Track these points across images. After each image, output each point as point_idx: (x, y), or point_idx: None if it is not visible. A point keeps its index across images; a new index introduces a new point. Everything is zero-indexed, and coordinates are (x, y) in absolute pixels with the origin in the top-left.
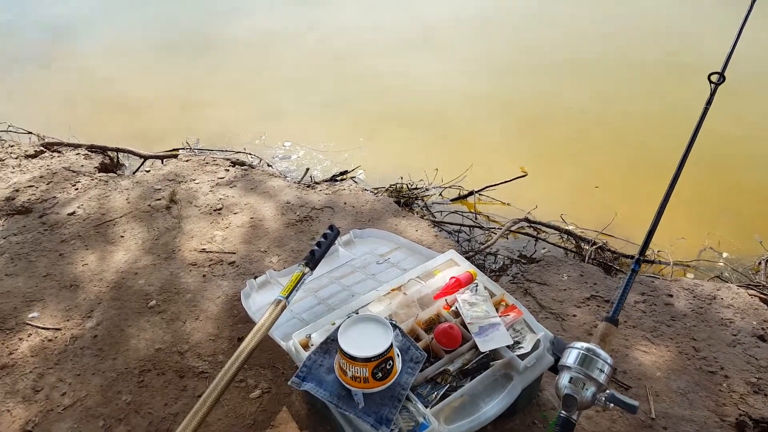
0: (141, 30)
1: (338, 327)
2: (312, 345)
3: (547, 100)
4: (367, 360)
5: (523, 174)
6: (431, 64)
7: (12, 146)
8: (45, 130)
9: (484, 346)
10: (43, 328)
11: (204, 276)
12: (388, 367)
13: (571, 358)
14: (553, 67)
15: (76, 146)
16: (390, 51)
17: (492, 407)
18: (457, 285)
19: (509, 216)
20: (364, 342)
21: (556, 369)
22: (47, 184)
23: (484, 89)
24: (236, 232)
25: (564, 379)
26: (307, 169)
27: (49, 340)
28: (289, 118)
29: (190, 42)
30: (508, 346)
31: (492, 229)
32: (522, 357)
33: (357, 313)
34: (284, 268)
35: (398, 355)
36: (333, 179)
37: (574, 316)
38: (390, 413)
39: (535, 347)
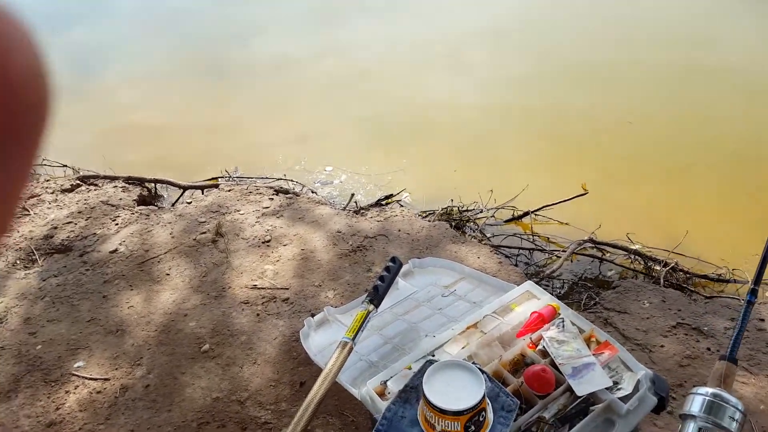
0: (164, 56)
1: (417, 373)
2: (389, 393)
3: (597, 114)
4: (459, 413)
5: (584, 192)
6: (461, 80)
7: (47, 180)
8: (79, 162)
9: (581, 389)
10: (90, 379)
11: (258, 315)
12: (480, 419)
13: (695, 405)
14: (599, 79)
15: (113, 178)
16: (414, 68)
17: None
18: (540, 321)
19: (568, 236)
20: (453, 392)
21: (658, 410)
22: (86, 219)
23: (524, 104)
24: (287, 265)
25: (690, 430)
26: (353, 195)
27: (98, 392)
28: (327, 141)
29: (213, 67)
30: (607, 389)
31: (554, 252)
32: (623, 399)
33: (432, 355)
34: (342, 303)
35: (488, 403)
36: (378, 203)
37: (662, 346)
38: None
39: (636, 388)
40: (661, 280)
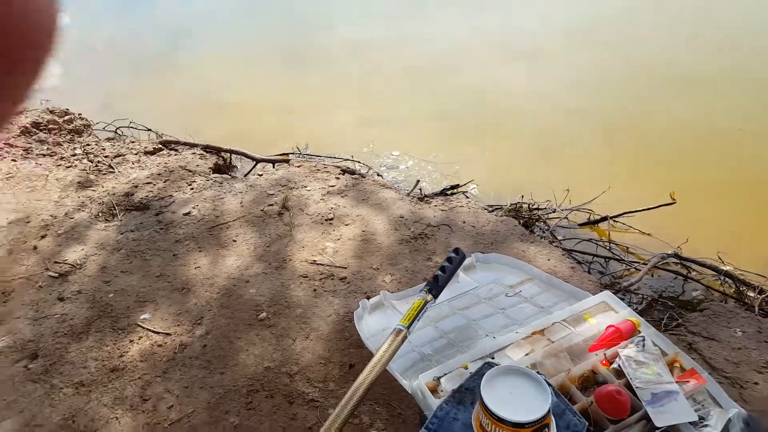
0: (250, 38)
1: (475, 375)
2: (442, 391)
3: (692, 121)
4: (521, 426)
5: (672, 201)
6: (539, 78)
7: (132, 142)
8: (162, 128)
9: (660, 419)
10: (153, 332)
11: (315, 290)
12: None
13: None
14: (696, 85)
15: (192, 145)
16: (490, 63)
17: None
18: (617, 336)
19: (648, 248)
20: (514, 401)
21: None
22: (164, 181)
23: (609, 105)
24: (348, 245)
25: None
26: (418, 181)
27: (159, 345)
28: (396, 127)
29: (294, 50)
30: (691, 423)
31: (633, 264)
32: None
33: (492, 358)
34: (398, 289)
35: (552, 419)
36: (443, 192)
37: (756, 384)
38: None
39: (726, 428)
40: (756, 308)
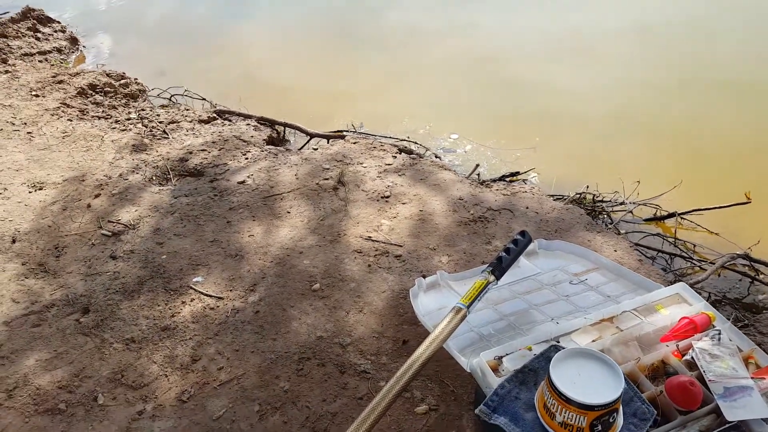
0: (303, 20)
1: (540, 356)
2: (503, 370)
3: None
4: (589, 408)
5: (747, 201)
6: (605, 75)
7: (187, 110)
8: (216, 99)
9: (732, 414)
10: (206, 295)
11: (369, 266)
12: (611, 420)
13: None
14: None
15: (247, 116)
16: (542, 59)
17: None
18: (691, 328)
19: (715, 248)
20: (584, 383)
21: None
22: (219, 150)
23: (680, 107)
24: (404, 223)
25: None
26: (477, 165)
27: (211, 308)
28: (455, 110)
29: (346, 34)
30: (764, 420)
31: (700, 262)
32: None
33: (557, 341)
34: (454, 271)
35: (620, 405)
36: (503, 179)
37: None
38: None
39: None
40: None
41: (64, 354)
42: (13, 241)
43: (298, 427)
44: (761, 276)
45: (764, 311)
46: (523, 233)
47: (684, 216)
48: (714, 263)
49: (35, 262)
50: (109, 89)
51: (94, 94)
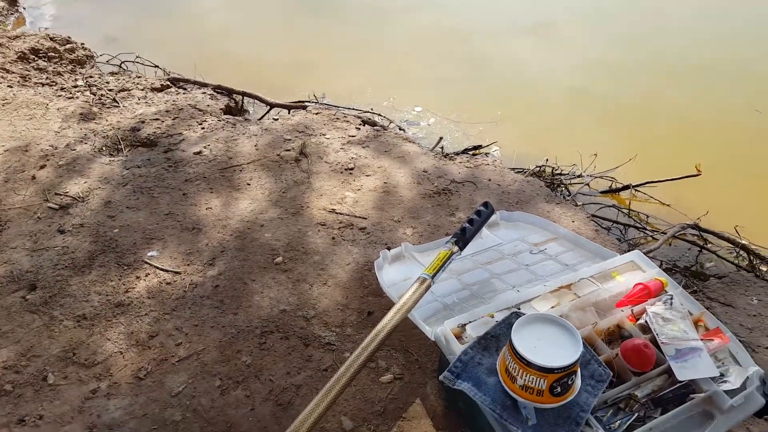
0: None
1: (502, 323)
2: (466, 337)
3: (721, 98)
4: (549, 371)
5: (698, 173)
6: (569, 50)
7: (139, 77)
8: (171, 67)
9: (682, 374)
10: (162, 269)
11: (333, 239)
12: (569, 382)
13: None
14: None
15: (203, 85)
16: (507, 36)
17: None
18: (645, 294)
19: (667, 219)
20: (544, 347)
21: (761, 413)
22: (173, 119)
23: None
24: (368, 195)
25: None
26: (441, 138)
27: (168, 283)
28: (418, 83)
29: (306, 5)
30: (711, 378)
31: (654, 232)
32: (728, 394)
33: (518, 308)
34: (419, 243)
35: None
36: (465, 152)
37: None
38: None
39: (744, 385)
40: None
41: (9, 333)
42: None
43: (261, 400)
44: (709, 245)
45: (711, 278)
46: (485, 204)
47: (638, 188)
48: (665, 233)
49: None
50: (53, 54)
51: (36, 59)
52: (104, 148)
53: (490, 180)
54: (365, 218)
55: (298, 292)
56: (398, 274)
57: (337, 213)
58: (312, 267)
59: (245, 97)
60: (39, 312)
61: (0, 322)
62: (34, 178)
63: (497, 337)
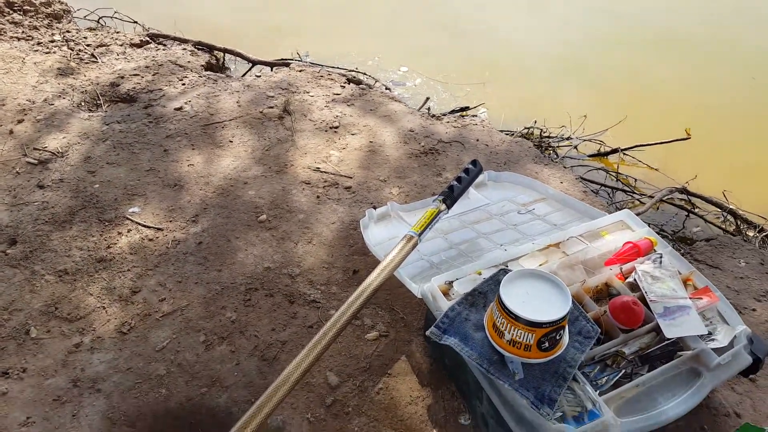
0: None
1: (489, 280)
2: (453, 294)
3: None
4: (537, 325)
5: (687, 137)
6: (557, 13)
7: (117, 33)
8: (149, 23)
9: (670, 331)
10: (144, 226)
11: (318, 197)
12: (557, 337)
13: None
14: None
15: (183, 41)
16: (502, 3)
17: (674, 406)
18: (634, 252)
19: (655, 184)
20: (532, 302)
21: (748, 372)
22: (153, 75)
23: (623, 40)
24: (353, 154)
25: None
26: (428, 98)
27: (150, 240)
28: (403, 42)
29: None
30: (699, 336)
31: (641, 196)
32: (715, 352)
33: (506, 266)
34: (405, 202)
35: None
36: (452, 113)
37: (754, 310)
38: (553, 392)
39: (732, 344)
40: (756, 245)
41: None
42: None
43: (246, 355)
44: (697, 210)
45: (699, 242)
46: (474, 162)
47: (626, 152)
48: (653, 197)
49: None
50: (28, 8)
51: (11, 12)
52: (83, 104)
53: (477, 140)
54: (350, 177)
55: (282, 250)
56: (384, 233)
57: (321, 171)
58: (296, 225)
59: (226, 54)
60: (20, 266)
61: None
62: (11, 132)
63: (485, 293)
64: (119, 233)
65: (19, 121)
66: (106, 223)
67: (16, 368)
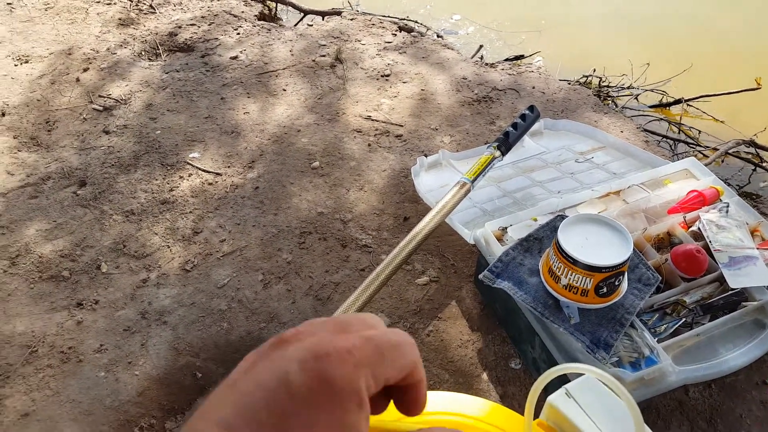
0: None
1: (546, 225)
2: (507, 240)
3: None
4: (596, 269)
5: (757, 87)
6: None
7: None
8: None
9: (735, 281)
10: (203, 170)
11: (369, 145)
12: (616, 282)
13: None
14: None
15: None
16: None
17: (736, 357)
18: (699, 201)
19: (720, 136)
20: (591, 247)
21: None
22: (208, 25)
23: None
24: (405, 103)
25: None
26: (481, 46)
27: (210, 184)
28: None
29: None
30: (765, 287)
31: (705, 148)
32: None
33: (563, 213)
34: (457, 151)
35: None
36: (506, 61)
37: None
38: (610, 337)
39: None
40: None
41: (63, 225)
42: (2, 114)
43: (301, 295)
44: (765, 163)
45: (765, 198)
46: (531, 108)
47: (690, 103)
48: (718, 150)
49: (27, 136)
50: None
51: None
52: (143, 53)
53: (533, 88)
54: (401, 125)
55: (335, 196)
56: (435, 181)
57: (372, 120)
58: (348, 172)
59: (279, 4)
60: (90, 206)
61: (54, 214)
62: (78, 80)
63: (540, 239)
64: (181, 177)
65: (85, 70)
66: (168, 167)
67: (89, 300)
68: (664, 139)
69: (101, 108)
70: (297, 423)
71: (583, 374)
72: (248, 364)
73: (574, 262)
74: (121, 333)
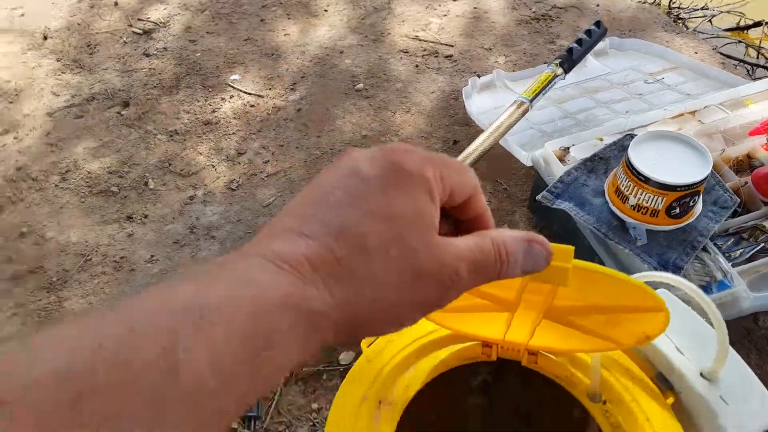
0: None
1: (613, 145)
2: (569, 160)
3: None
4: (670, 188)
5: None
6: None
7: None
8: None
9: None
10: (245, 92)
11: (416, 66)
12: (690, 203)
13: None
14: None
15: None
16: None
17: None
18: None
19: None
20: (664, 165)
21: None
22: None
23: None
24: (455, 22)
25: None
26: None
27: (251, 106)
28: None
29: None
30: None
31: None
32: None
33: (632, 132)
34: (513, 71)
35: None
36: None
37: None
38: (680, 259)
39: None
40: None
41: (110, 143)
42: (45, 38)
43: None
44: None
45: None
46: (597, 23)
47: None
48: None
49: (70, 59)
50: None
51: None
52: None
53: (598, 5)
54: (452, 46)
55: (380, 119)
56: (488, 103)
57: (420, 40)
58: (394, 94)
59: None
60: (134, 126)
61: (101, 134)
62: (116, 4)
63: (606, 159)
64: (222, 99)
65: None
66: (210, 89)
67: (139, 214)
68: (741, 64)
69: (141, 31)
70: (373, 205)
71: None
72: (318, 176)
73: (646, 179)
74: (171, 245)
